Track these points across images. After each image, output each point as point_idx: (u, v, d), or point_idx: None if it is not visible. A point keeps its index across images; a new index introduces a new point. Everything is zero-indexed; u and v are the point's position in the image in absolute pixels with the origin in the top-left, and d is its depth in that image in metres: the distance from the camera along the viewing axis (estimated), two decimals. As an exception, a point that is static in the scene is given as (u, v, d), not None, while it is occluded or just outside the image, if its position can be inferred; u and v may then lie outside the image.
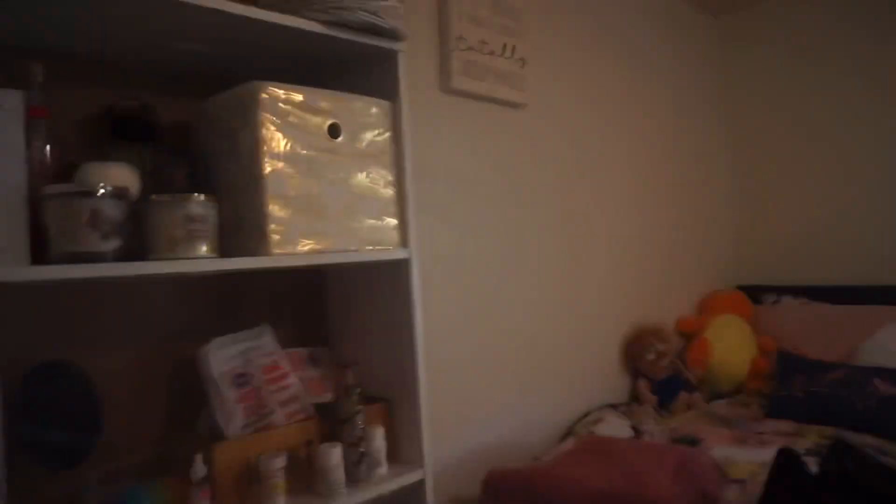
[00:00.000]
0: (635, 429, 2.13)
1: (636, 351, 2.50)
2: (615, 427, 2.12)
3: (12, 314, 1.12)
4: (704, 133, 3.09)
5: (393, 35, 1.30)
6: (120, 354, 1.24)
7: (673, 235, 2.84)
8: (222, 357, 1.27)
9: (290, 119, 1.14)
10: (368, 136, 1.27)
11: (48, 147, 1.01)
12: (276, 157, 1.12)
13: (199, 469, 1.08)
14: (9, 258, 0.88)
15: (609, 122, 2.54)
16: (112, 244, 0.96)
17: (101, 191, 0.95)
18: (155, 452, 1.24)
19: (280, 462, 1.17)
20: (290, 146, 1.14)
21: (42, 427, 1.07)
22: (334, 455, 1.22)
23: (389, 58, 1.33)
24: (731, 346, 2.64)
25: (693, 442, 1.91)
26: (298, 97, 1.16)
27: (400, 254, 1.32)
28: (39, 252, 0.93)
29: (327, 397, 1.35)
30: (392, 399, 1.39)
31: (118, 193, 0.97)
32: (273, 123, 1.12)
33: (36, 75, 1.03)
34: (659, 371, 2.47)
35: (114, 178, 1.04)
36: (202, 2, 1.03)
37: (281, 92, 1.13)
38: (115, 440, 1.18)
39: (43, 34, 1.09)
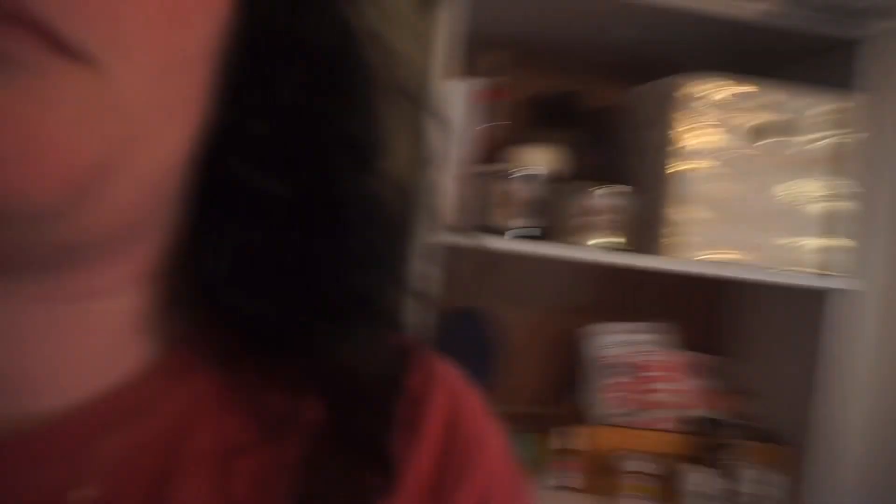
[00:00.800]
0: None
1: None
2: None
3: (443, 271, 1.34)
4: None
5: (870, 15, 1.07)
6: (519, 313, 1.38)
7: None
8: (608, 342, 1.29)
9: (710, 117, 1.06)
10: (807, 138, 1.09)
11: (495, 126, 1.16)
12: (688, 156, 1.06)
13: (568, 441, 1.16)
14: (449, 226, 1.05)
15: None
16: (522, 221, 1.06)
17: (519, 173, 1.05)
18: (531, 409, 1.35)
19: (646, 466, 1.14)
20: (705, 146, 1.06)
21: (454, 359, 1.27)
22: (702, 481, 1.14)
23: (856, 45, 1.10)
24: None
25: None
26: (724, 93, 1.06)
27: (848, 284, 1.10)
28: (466, 222, 1.08)
29: (706, 413, 1.26)
30: (794, 443, 1.18)
31: (532, 176, 1.06)
32: (688, 121, 1.05)
33: (504, 62, 1.18)
34: None
35: (536, 160, 1.12)
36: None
37: (704, 87, 1.05)
38: (501, 386, 1.32)
39: (495, 27, 1.21)
